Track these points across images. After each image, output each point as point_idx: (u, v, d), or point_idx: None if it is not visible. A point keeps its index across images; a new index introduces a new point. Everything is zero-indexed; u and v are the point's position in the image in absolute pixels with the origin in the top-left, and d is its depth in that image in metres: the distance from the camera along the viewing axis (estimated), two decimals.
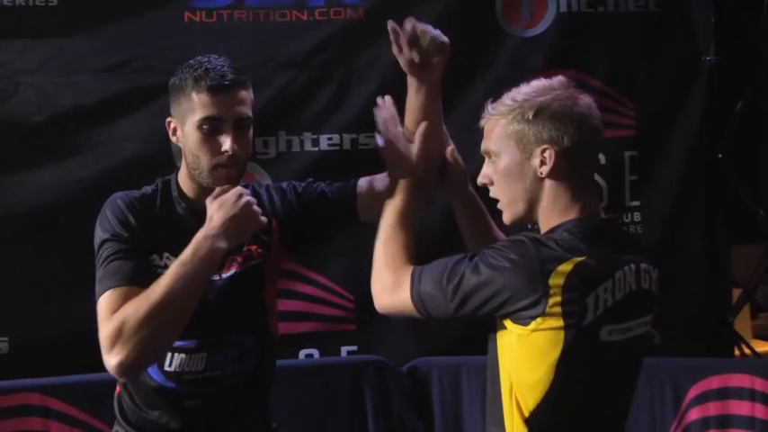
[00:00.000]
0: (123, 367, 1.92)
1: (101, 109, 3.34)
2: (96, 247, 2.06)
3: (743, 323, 4.32)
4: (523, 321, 1.72)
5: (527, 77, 1.93)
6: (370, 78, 3.52)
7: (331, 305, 3.55)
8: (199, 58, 2.10)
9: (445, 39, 2.00)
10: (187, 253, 1.97)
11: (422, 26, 1.99)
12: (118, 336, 1.91)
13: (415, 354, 3.51)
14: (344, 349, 3.56)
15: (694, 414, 3.17)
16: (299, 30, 3.49)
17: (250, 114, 2.08)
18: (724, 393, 3.15)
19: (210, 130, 2.02)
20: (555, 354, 1.72)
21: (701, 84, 3.79)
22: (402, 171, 2.01)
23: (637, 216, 3.76)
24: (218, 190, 2.03)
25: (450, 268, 1.77)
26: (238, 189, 2.02)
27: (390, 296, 1.87)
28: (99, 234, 2.07)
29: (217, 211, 2.00)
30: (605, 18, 3.73)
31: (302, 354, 3.51)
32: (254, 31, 3.46)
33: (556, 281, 1.69)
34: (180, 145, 2.10)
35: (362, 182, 2.20)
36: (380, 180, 2.17)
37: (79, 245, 3.21)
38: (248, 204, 2.01)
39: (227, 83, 2.02)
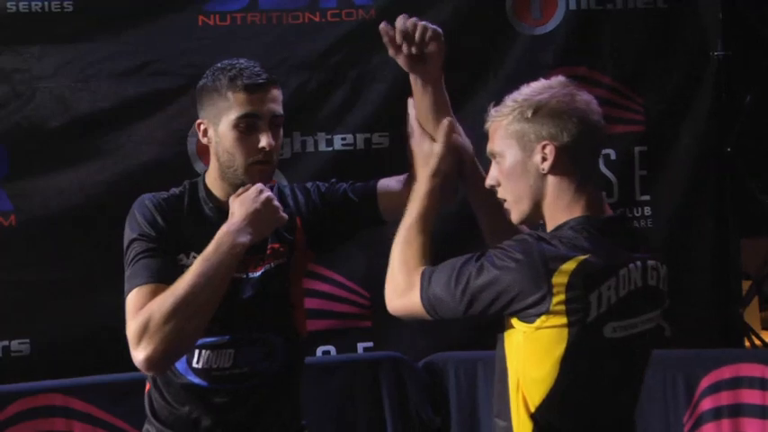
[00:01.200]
0: (150, 362, 1.97)
1: (118, 113, 3.37)
2: (125, 246, 2.10)
3: (752, 315, 4.36)
4: (529, 319, 1.76)
5: (538, 75, 1.97)
6: (383, 78, 3.55)
7: (347, 302, 3.59)
8: (227, 60, 2.14)
9: (436, 27, 2.02)
10: (210, 248, 2.02)
11: (412, 19, 2.02)
12: (144, 330, 1.96)
13: (430, 349, 3.55)
14: (361, 345, 3.60)
15: (707, 404, 3.22)
16: (311, 31, 3.53)
17: (282, 112, 2.14)
18: (736, 383, 3.20)
19: (247, 127, 2.08)
20: (559, 350, 1.76)
21: (710, 79, 3.83)
22: (429, 169, 2.03)
23: (647, 210, 3.81)
24: (240, 189, 2.08)
25: (457, 270, 1.81)
26: (259, 186, 2.07)
27: (401, 299, 1.91)
28: (128, 234, 2.11)
29: (239, 207, 2.05)
30: (614, 15, 3.77)
31: (319, 351, 3.55)
32: (268, 34, 3.49)
33: (559, 279, 1.73)
34: (211, 145, 2.14)
35: (384, 182, 2.24)
36: (402, 180, 2.21)
37: (98, 247, 3.30)
38: (269, 200, 2.06)
39: (261, 81, 2.09)
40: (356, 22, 3.55)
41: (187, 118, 3.37)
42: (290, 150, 3.52)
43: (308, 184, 2.31)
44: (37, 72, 3.32)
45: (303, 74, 3.51)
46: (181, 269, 2.07)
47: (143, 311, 1.98)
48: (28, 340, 3.29)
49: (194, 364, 2.13)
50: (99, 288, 3.29)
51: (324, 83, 3.55)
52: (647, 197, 3.81)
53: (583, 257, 1.75)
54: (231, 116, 2.08)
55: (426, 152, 2.05)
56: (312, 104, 3.53)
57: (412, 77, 2.08)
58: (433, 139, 2.06)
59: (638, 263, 1.82)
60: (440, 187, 2.02)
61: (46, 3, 3.29)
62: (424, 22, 2.02)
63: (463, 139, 2.11)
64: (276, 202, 2.08)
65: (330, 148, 3.56)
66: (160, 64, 3.40)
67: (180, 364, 2.13)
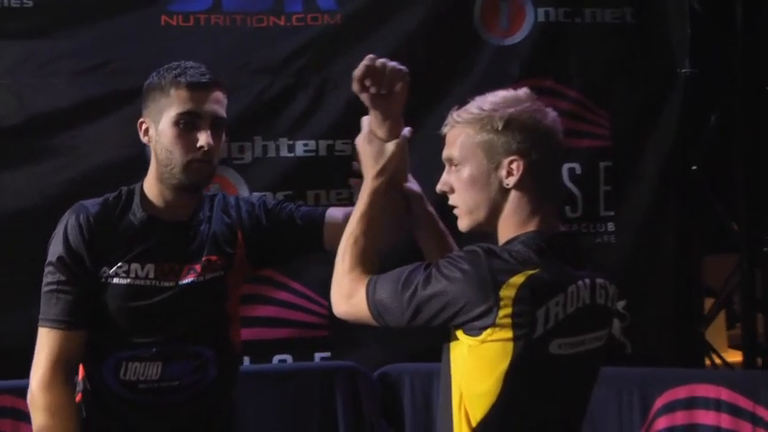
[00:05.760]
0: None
1: (76, 112, 3.34)
2: (47, 259, 2.13)
3: (717, 333, 4.36)
4: (474, 332, 1.74)
5: (505, 86, 1.94)
6: (347, 85, 3.40)
7: (305, 311, 3.55)
8: (175, 62, 2.15)
9: (403, 67, 2.00)
10: None
11: (381, 60, 2.00)
12: (30, 396, 2.13)
13: (387, 360, 3.52)
14: (318, 355, 3.57)
15: (662, 423, 3.21)
16: (275, 35, 3.51)
17: (225, 115, 2.13)
18: (691, 403, 3.19)
19: (186, 125, 2.07)
20: (504, 365, 1.73)
21: (677, 96, 3.83)
22: (376, 167, 1.99)
23: (610, 226, 3.81)
24: None
25: (404, 278, 1.79)
26: None
27: (347, 304, 1.88)
28: (51, 249, 2.13)
29: None
30: (582, 28, 3.77)
31: (276, 359, 3.52)
32: (231, 36, 3.47)
33: (507, 292, 1.70)
34: (152, 144, 2.14)
35: (332, 211, 2.22)
36: (349, 212, 2.18)
37: None
38: None
39: (205, 80, 2.09)
40: (321, 27, 3.54)
41: None
42: (251, 155, 3.50)
43: (254, 199, 2.30)
44: None
45: (266, 78, 3.49)
46: (104, 282, 2.09)
47: (36, 390, 2.10)
48: None
49: (121, 376, 2.12)
50: None
51: (286, 88, 3.52)
52: (610, 213, 3.81)
53: (532, 272, 1.73)
54: (172, 113, 2.07)
55: (375, 151, 2.00)
56: (274, 109, 3.50)
57: (372, 113, 2.03)
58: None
59: (587, 280, 1.81)
60: (379, 193, 1.98)
61: None
62: (392, 63, 2.00)
63: (412, 183, 2.10)
64: None
65: (292, 154, 3.54)
66: (120, 63, 3.36)
67: (108, 376, 2.12)
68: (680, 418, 3.19)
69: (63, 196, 3.23)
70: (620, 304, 3.74)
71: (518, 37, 3.73)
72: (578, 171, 3.73)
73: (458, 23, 3.66)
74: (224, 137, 2.15)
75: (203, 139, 2.06)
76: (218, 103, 2.10)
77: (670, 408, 3.21)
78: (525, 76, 3.63)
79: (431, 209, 2.11)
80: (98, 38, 3.36)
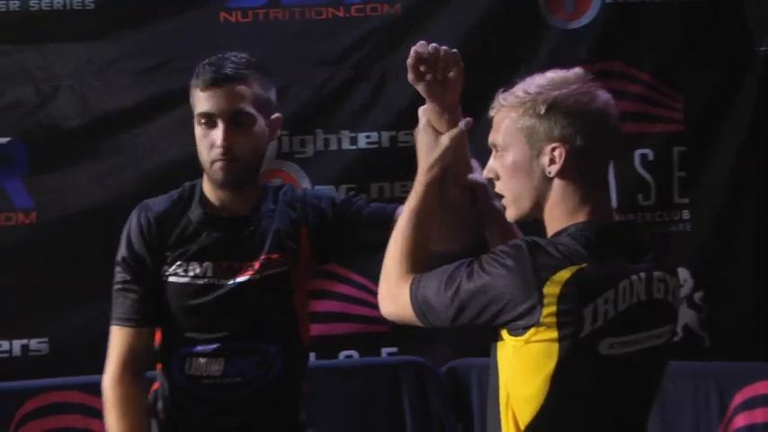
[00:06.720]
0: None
1: (138, 111, 3.37)
2: (115, 259, 2.18)
3: None
4: (518, 332, 1.65)
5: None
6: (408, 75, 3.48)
7: (368, 305, 3.49)
8: (207, 59, 2.13)
9: (456, 51, 1.91)
10: None
11: (433, 44, 1.91)
12: (103, 392, 2.17)
13: (455, 355, 3.48)
14: (384, 351, 3.54)
15: (741, 420, 3.10)
16: (335, 27, 3.49)
17: (248, 109, 2.07)
18: None
19: (207, 125, 2.08)
20: (550, 367, 1.64)
21: (754, 76, 3.69)
22: (429, 159, 1.91)
23: (686, 214, 3.69)
24: None
25: (448, 275, 1.72)
26: None
27: (393, 303, 1.82)
28: (120, 247, 2.18)
29: None
30: (653, 7, 3.65)
31: (342, 355, 3.50)
32: (290, 30, 3.46)
33: (551, 289, 1.61)
34: None
35: (401, 210, 2.13)
36: None
37: (116, 246, 3.29)
38: None
39: (218, 77, 2.05)
40: (381, 18, 3.50)
41: None
42: (312, 149, 3.49)
43: (323, 193, 2.32)
44: (58, 70, 3.34)
45: (326, 70, 3.48)
46: (165, 280, 2.11)
47: (109, 386, 2.14)
48: (47, 339, 3.31)
49: (186, 371, 2.15)
50: None
51: (347, 80, 3.50)
52: (686, 200, 3.69)
53: (578, 267, 1.63)
54: (196, 112, 2.10)
55: (429, 143, 1.92)
56: (335, 102, 3.49)
57: (429, 106, 1.94)
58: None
59: (643, 274, 1.70)
60: (436, 182, 1.89)
61: (68, 0, 3.31)
62: (444, 47, 1.91)
63: (476, 173, 2.00)
64: None
65: (354, 147, 3.51)
66: (181, 62, 3.35)
67: (175, 370, 2.16)
68: (760, 415, 3.08)
69: (125, 194, 3.29)
70: (698, 296, 3.64)
71: (585, 19, 3.62)
72: (651, 157, 3.63)
73: (522, 8, 3.58)
74: (262, 127, 2.09)
75: (217, 138, 2.06)
76: (236, 98, 2.05)
77: (750, 404, 3.10)
78: (593, 60, 3.52)
79: (496, 202, 2.03)
80: (159, 37, 3.39)
